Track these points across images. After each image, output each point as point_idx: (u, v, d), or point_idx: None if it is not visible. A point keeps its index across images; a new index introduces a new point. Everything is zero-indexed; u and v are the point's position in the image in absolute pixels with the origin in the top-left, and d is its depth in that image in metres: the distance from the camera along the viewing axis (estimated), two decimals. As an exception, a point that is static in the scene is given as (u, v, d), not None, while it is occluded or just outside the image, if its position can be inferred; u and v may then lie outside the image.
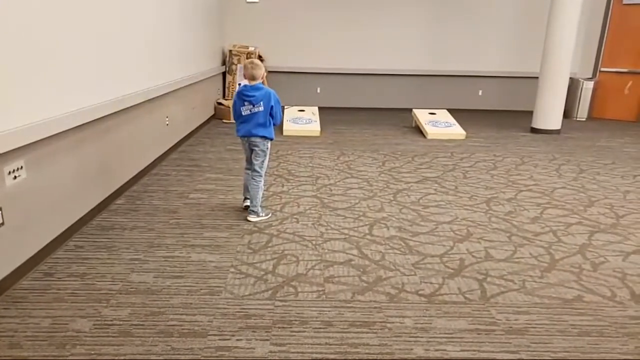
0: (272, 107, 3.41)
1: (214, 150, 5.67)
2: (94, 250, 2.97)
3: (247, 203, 3.63)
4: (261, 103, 3.38)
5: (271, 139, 3.54)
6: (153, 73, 4.74)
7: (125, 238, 3.16)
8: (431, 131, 6.76)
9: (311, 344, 2.12)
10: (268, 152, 3.57)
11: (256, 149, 3.50)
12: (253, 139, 3.47)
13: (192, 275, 2.70)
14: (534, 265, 2.94)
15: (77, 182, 3.27)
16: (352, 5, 8.69)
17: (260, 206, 3.58)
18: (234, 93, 3.61)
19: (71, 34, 3.15)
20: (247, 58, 8.05)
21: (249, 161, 3.61)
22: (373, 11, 8.72)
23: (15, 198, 2.57)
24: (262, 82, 3.50)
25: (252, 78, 3.41)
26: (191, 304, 2.41)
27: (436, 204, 4.01)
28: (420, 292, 2.59)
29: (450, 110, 7.66)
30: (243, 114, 3.43)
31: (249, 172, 3.62)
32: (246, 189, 3.67)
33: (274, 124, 3.51)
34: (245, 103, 3.41)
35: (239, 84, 8.10)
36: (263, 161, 3.54)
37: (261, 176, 3.55)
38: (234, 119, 3.59)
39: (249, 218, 3.53)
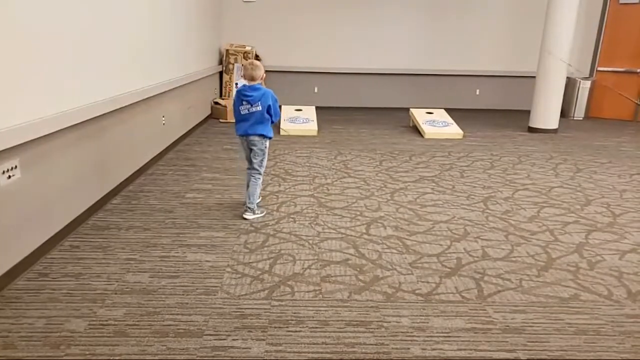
0: (269, 106, 3.43)
1: (210, 149, 5.66)
2: (90, 250, 2.95)
3: (245, 215, 3.62)
4: (259, 103, 3.40)
5: (269, 138, 3.55)
6: (149, 72, 4.72)
7: (121, 238, 3.15)
8: (428, 130, 6.76)
9: (307, 344, 2.11)
10: (266, 151, 3.60)
11: (254, 148, 3.52)
12: (251, 137, 3.49)
13: (188, 275, 2.69)
14: (531, 264, 2.94)
15: (73, 182, 3.25)
16: (350, 4, 8.68)
17: (257, 205, 3.61)
18: (234, 92, 3.63)
19: (66, 33, 3.13)
20: (244, 58, 8.05)
21: (249, 160, 3.63)
22: (371, 10, 8.72)
23: (9, 198, 2.55)
24: (261, 83, 3.51)
25: (252, 79, 3.44)
26: (187, 303, 2.40)
27: (433, 203, 4.01)
28: (417, 292, 2.58)
29: (447, 110, 7.65)
30: (242, 113, 3.46)
31: (250, 171, 3.63)
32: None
33: (272, 122, 3.53)
34: (244, 102, 3.43)
35: (236, 84, 8.10)
36: (262, 160, 3.57)
37: (260, 174, 3.60)
38: (234, 118, 3.61)
39: (245, 216, 3.54)
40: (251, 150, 3.54)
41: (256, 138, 3.49)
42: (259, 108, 3.41)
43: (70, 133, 3.16)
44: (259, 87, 3.43)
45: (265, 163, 3.62)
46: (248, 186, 3.59)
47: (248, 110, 3.43)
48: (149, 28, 4.77)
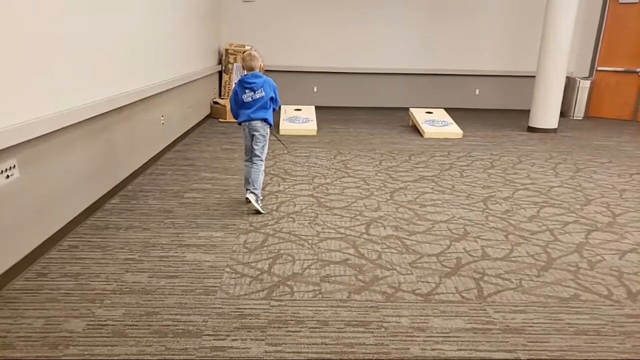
0: (272, 92, 3.62)
1: (209, 149, 5.65)
2: (88, 250, 2.95)
3: (248, 195, 3.66)
4: (262, 89, 3.57)
5: (271, 125, 3.69)
6: (148, 72, 4.71)
7: (120, 238, 3.14)
8: (428, 130, 6.76)
9: (307, 344, 2.11)
10: (267, 138, 3.72)
11: (256, 134, 3.63)
12: (254, 123, 3.60)
13: (187, 275, 2.68)
14: (531, 264, 2.93)
15: (71, 182, 3.25)
16: (349, 4, 8.67)
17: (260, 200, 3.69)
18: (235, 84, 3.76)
19: (65, 31, 3.12)
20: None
21: (249, 152, 3.71)
22: (370, 10, 8.71)
23: (8, 197, 2.54)
24: (260, 72, 3.66)
25: (251, 69, 3.60)
26: (186, 303, 2.39)
27: (433, 202, 4.00)
28: (416, 292, 2.57)
29: (447, 110, 7.65)
30: (245, 100, 3.59)
31: (248, 164, 3.70)
32: (247, 181, 3.71)
33: (274, 109, 3.69)
34: (247, 90, 3.58)
35: (235, 84, 8.09)
36: (263, 146, 3.69)
37: (262, 161, 3.70)
38: (232, 108, 3.72)
39: (247, 196, 3.60)
40: (253, 137, 3.64)
41: (259, 123, 3.61)
42: (263, 94, 3.56)
43: (69, 133, 3.16)
44: (260, 75, 3.60)
45: (266, 150, 3.72)
46: (249, 180, 3.64)
47: (252, 98, 3.57)
48: (148, 27, 4.76)
